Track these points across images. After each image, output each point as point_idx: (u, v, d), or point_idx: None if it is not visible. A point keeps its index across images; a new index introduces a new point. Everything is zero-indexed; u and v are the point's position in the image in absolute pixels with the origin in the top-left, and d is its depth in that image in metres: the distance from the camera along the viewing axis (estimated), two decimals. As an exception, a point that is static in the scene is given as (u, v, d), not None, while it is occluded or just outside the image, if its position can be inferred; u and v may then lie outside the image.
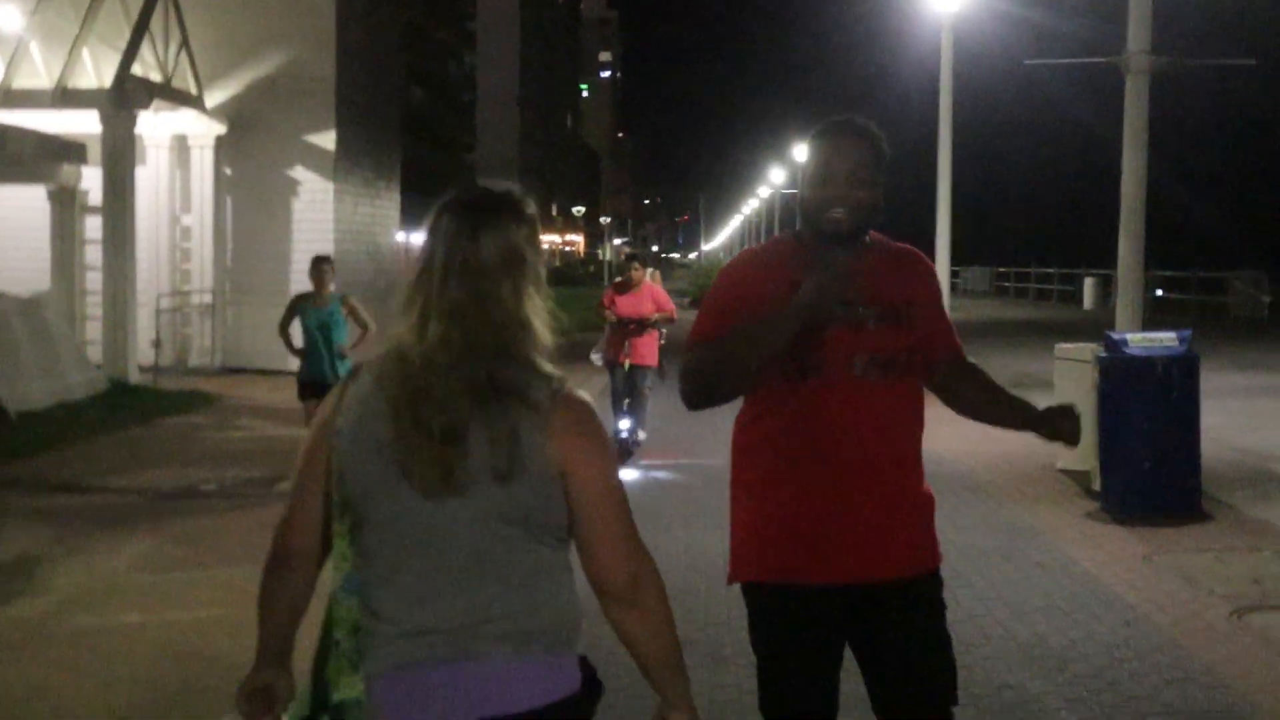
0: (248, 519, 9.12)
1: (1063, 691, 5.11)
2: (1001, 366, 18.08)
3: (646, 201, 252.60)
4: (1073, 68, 11.63)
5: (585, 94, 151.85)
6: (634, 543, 2.27)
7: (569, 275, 76.19)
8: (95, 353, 18.13)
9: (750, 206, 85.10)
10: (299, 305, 10.18)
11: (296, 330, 10.26)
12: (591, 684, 2.28)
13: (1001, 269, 50.92)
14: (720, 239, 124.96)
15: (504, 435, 2.15)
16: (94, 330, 18.63)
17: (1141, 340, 8.39)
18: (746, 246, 3.42)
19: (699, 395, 3.12)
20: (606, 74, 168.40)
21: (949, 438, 11.57)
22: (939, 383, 3.32)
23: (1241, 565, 7.14)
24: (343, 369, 9.86)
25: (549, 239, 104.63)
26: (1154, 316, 28.73)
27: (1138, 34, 9.24)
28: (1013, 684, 5.22)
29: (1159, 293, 36.55)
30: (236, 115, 20.72)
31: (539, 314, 2.27)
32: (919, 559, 3.16)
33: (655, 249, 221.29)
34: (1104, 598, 6.47)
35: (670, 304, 11.97)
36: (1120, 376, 8.28)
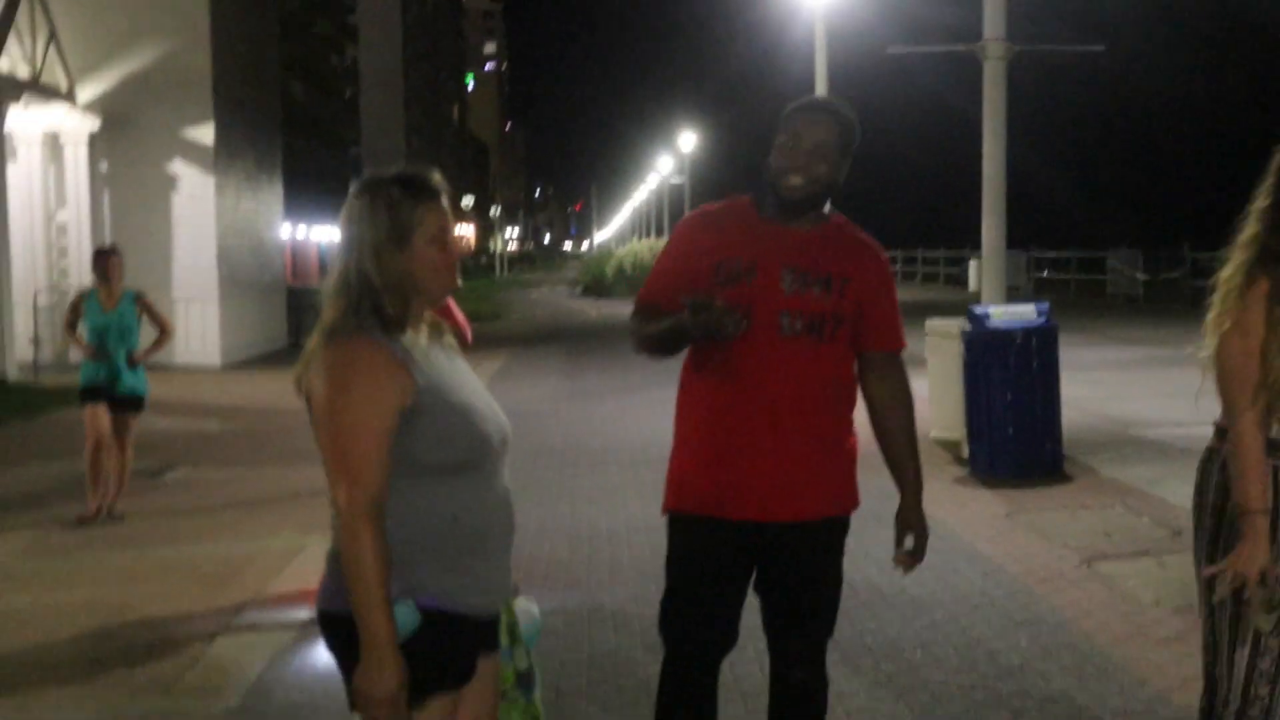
0: (131, 505, 9.13)
1: (920, 636, 5.45)
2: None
3: (538, 193, 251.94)
4: (935, 55, 12.03)
5: (471, 86, 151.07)
6: (334, 476, 2.44)
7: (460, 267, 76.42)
8: (-29, 351, 17.83)
9: (640, 196, 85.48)
10: (81, 304, 8.77)
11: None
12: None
13: (890, 252, 51.84)
14: (612, 228, 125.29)
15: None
16: (-31, 329, 18.31)
17: (1002, 314, 8.82)
18: (702, 205, 3.69)
19: (641, 352, 3.52)
20: (491, 66, 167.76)
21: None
22: (865, 376, 3.48)
23: (1094, 520, 7.57)
24: (134, 379, 8.70)
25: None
26: (1036, 296, 29.67)
27: (993, 21, 9.68)
28: (873, 629, 5.55)
29: (1045, 273, 37.52)
30: (111, 110, 20.47)
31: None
32: (831, 505, 3.43)
33: (547, 241, 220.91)
34: (966, 553, 6.84)
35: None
36: (983, 348, 8.70)
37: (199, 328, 20.58)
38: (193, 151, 20.85)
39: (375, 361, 2.46)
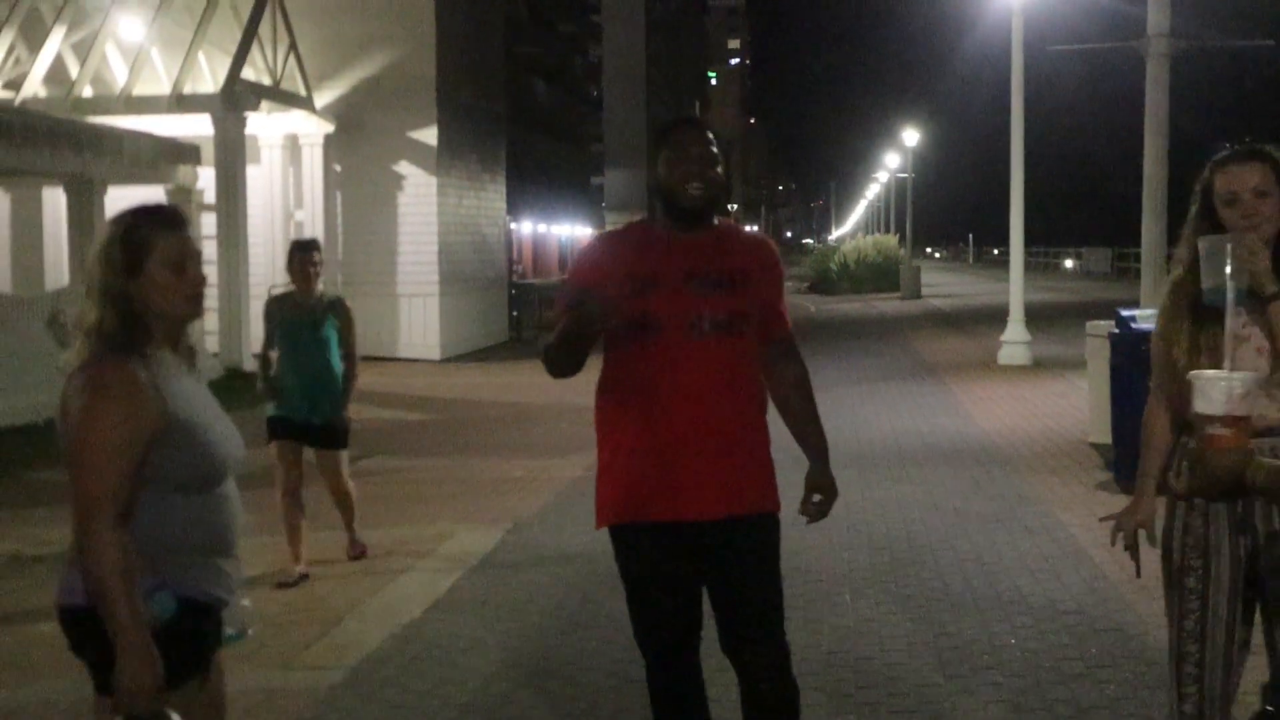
0: (315, 492, 9.76)
1: (993, 640, 5.52)
2: (1066, 347, 18.09)
3: (780, 188, 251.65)
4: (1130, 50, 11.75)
5: (714, 82, 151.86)
6: (79, 490, 2.70)
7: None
8: (213, 341, 19.24)
9: (872, 191, 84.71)
10: (276, 311, 7.34)
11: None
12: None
13: (1124, 249, 49.96)
14: (849, 225, 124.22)
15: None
16: (211, 320, 19.76)
17: (1149, 316, 8.64)
18: (603, 232, 3.95)
19: (551, 373, 3.67)
20: (735, 61, 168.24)
21: (993, 416, 11.88)
22: (766, 363, 3.73)
23: (1228, 531, 7.38)
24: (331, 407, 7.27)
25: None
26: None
27: (1157, 18, 9.46)
28: (953, 631, 5.65)
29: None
30: (344, 114, 21.72)
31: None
32: (754, 501, 3.62)
33: (789, 235, 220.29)
34: (1075, 558, 6.81)
35: None
36: (1127, 351, 8.54)
37: (420, 322, 21.67)
38: (417, 153, 21.92)
39: (128, 388, 2.73)
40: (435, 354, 21.53)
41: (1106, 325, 9.75)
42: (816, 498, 3.73)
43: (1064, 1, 16.08)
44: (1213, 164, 3.31)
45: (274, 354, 7.33)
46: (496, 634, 6.03)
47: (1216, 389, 2.32)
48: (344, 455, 7.48)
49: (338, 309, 7.31)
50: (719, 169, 3.61)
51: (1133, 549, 3.50)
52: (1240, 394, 2.31)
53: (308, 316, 7.19)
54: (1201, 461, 2.28)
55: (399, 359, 21.11)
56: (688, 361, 3.53)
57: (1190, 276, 3.24)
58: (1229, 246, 2.99)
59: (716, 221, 3.69)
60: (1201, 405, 2.32)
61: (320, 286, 7.33)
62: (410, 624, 6.27)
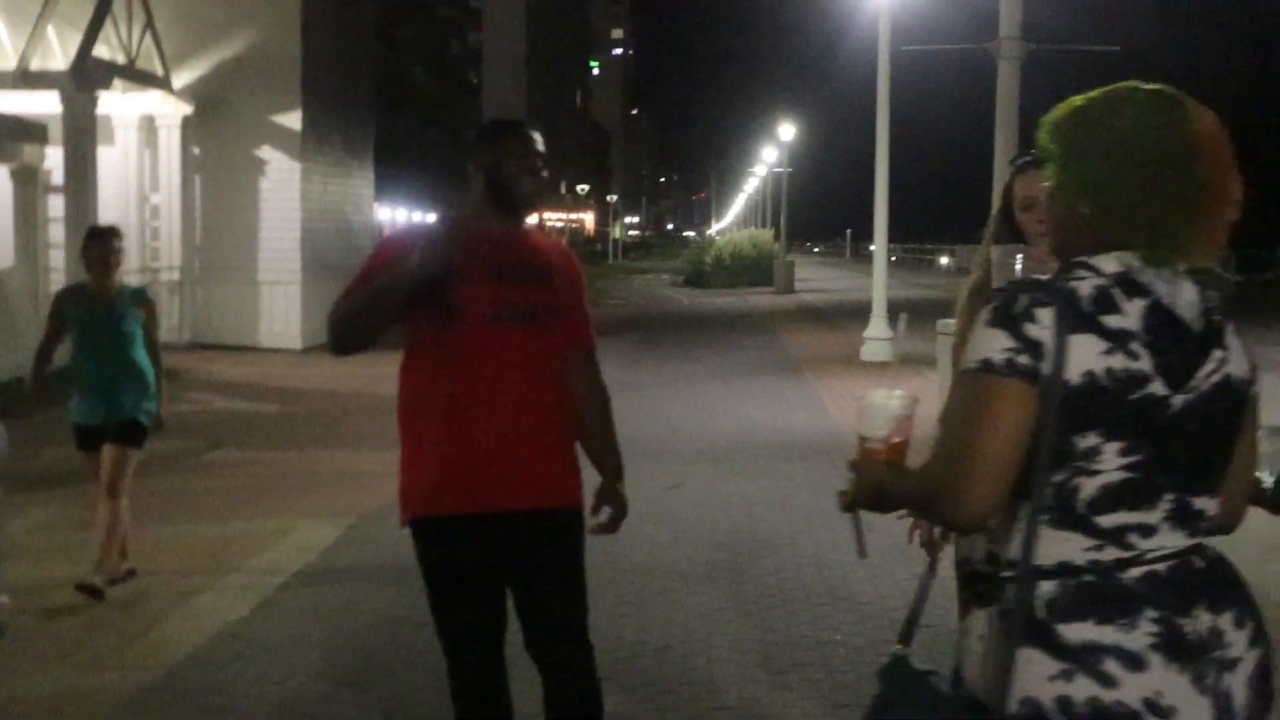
0: (157, 484, 9.51)
1: (820, 635, 5.55)
2: (930, 343, 18.35)
3: (662, 179, 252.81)
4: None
5: (596, 71, 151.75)
6: None
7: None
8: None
9: (752, 185, 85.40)
10: (63, 306, 6.74)
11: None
12: None
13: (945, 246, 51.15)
14: (729, 218, 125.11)
15: None
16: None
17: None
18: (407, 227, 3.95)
19: (337, 342, 3.54)
20: (618, 51, 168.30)
21: (850, 412, 11.97)
22: (571, 379, 3.66)
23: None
24: (132, 401, 6.62)
25: (557, 217, 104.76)
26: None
27: (1008, 20, 9.61)
28: (780, 627, 5.66)
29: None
30: (204, 96, 21.13)
31: None
32: (555, 495, 3.55)
33: (670, 227, 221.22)
34: (908, 555, 6.81)
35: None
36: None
37: (282, 311, 21.19)
38: (281, 136, 21.42)
39: None
40: (296, 343, 21.07)
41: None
42: (605, 513, 3.70)
43: (935, 1, 16.33)
44: (1014, 168, 3.32)
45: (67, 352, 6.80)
46: (324, 632, 5.89)
47: (876, 408, 2.34)
48: (133, 457, 6.69)
49: (141, 300, 6.75)
50: (546, 175, 3.67)
51: (929, 546, 3.50)
52: (899, 414, 2.33)
53: (108, 310, 6.59)
54: (856, 473, 2.29)
55: (259, 348, 20.66)
56: (488, 351, 3.47)
57: (989, 280, 3.24)
58: (1019, 256, 3.00)
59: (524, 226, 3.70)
60: (864, 424, 2.33)
61: (119, 277, 6.70)
62: (236, 622, 6.10)
